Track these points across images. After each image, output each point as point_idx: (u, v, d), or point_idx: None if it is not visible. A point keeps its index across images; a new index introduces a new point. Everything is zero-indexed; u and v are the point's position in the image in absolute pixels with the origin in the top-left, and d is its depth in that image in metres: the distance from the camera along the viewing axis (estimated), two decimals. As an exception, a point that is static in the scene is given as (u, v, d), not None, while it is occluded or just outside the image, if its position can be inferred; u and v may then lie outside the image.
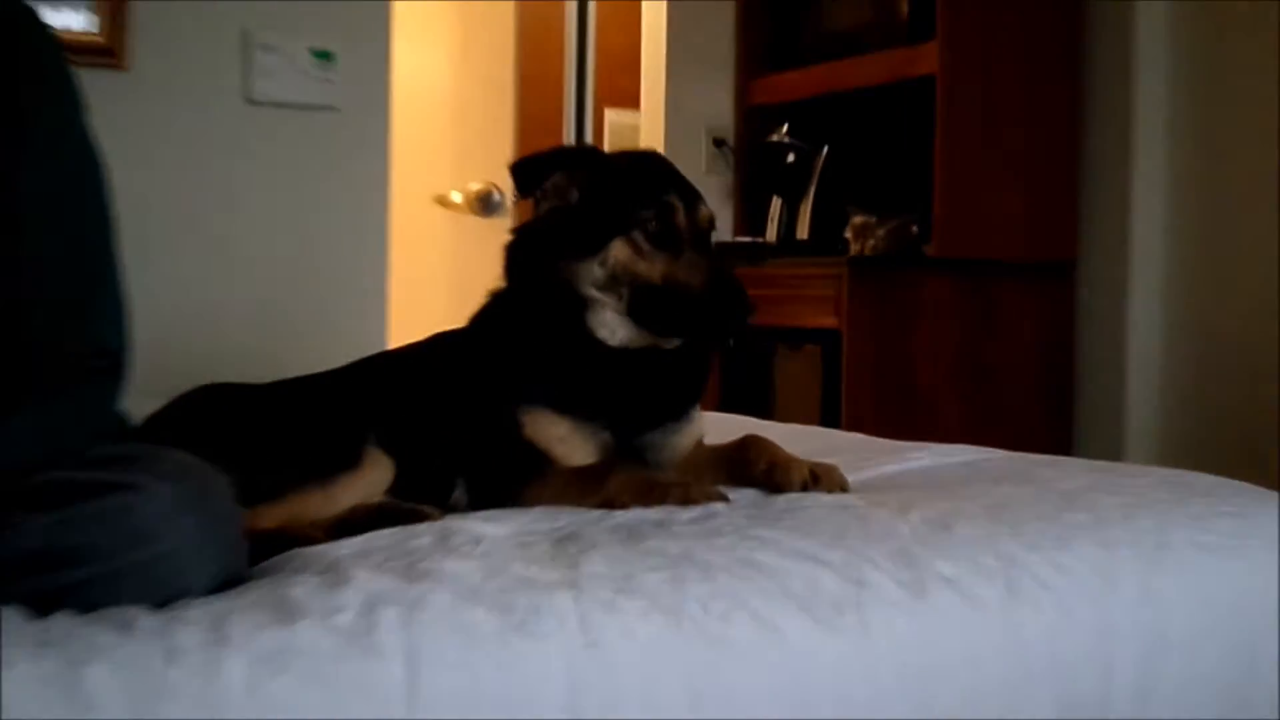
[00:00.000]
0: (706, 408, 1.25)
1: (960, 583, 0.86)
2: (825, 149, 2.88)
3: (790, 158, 2.90)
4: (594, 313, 1.09)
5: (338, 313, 2.21)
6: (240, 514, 0.84)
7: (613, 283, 1.08)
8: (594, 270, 1.08)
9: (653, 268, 1.07)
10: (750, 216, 3.08)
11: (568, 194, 1.11)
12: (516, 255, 1.15)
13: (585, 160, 1.13)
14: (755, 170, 3.01)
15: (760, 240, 2.92)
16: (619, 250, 1.08)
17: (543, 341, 1.10)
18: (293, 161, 2.18)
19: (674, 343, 1.10)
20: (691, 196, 1.12)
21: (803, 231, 2.89)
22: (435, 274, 3.13)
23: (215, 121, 2.09)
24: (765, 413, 2.52)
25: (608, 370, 1.09)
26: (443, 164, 3.13)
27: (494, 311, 1.16)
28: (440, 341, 1.20)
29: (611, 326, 1.09)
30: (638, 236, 1.08)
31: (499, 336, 1.13)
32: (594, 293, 1.09)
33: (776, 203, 2.97)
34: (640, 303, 1.08)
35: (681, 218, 1.09)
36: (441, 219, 3.13)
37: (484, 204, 3.02)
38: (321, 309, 2.20)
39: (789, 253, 2.81)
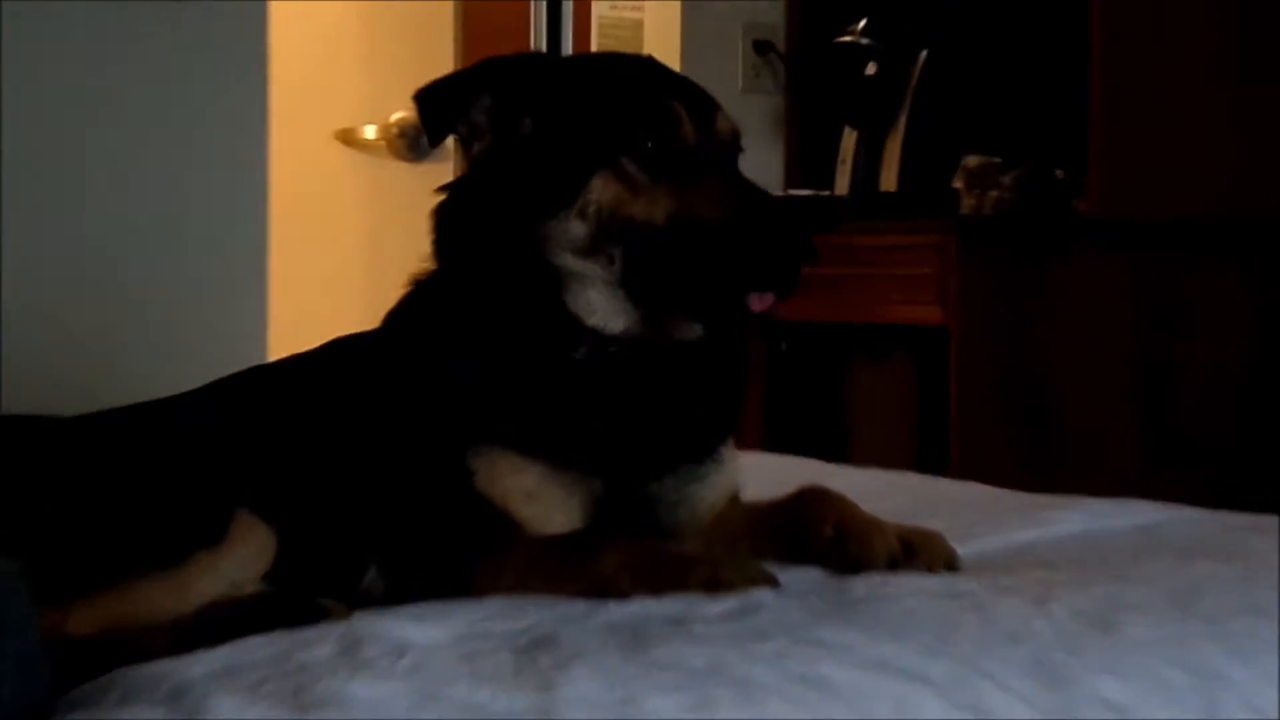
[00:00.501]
0: (746, 445, 1.28)
1: (1134, 711, 0.86)
2: (923, 55, 2.92)
3: (870, 69, 2.96)
4: (573, 291, 1.12)
5: (189, 301, 2.23)
6: (38, 616, 0.84)
7: (598, 240, 1.11)
8: (569, 226, 1.11)
9: (654, 205, 1.10)
10: (810, 158, 3.14)
11: (515, 124, 1.14)
12: (451, 222, 1.17)
13: (533, 72, 1.16)
14: (817, 88, 3.09)
15: (825, 194, 2.98)
16: (603, 188, 1.10)
17: (497, 345, 1.13)
18: (111, 67, 2.18)
19: (693, 327, 1.13)
20: (701, 101, 1.15)
21: (889, 180, 2.94)
22: (339, 247, 3.19)
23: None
24: (833, 451, 2.55)
25: (596, 385, 1.12)
26: (350, 85, 3.20)
27: (422, 305, 1.18)
28: (343, 351, 1.23)
29: (600, 307, 1.12)
30: (628, 165, 1.10)
31: (430, 341, 1.15)
32: (571, 261, 1.11)
33: (849, 137, 3.01)
34: (640, 263, 1.10)
35: (689, 129, 1.12)
36: (349, 164, 3.19)
37: (411, 143, 3.08)
38: (164, 296, 2.22)
39: (868, 212, 2.85)
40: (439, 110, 1.14)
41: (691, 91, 1.15)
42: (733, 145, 1.16)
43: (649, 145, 1.10)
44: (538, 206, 1.11)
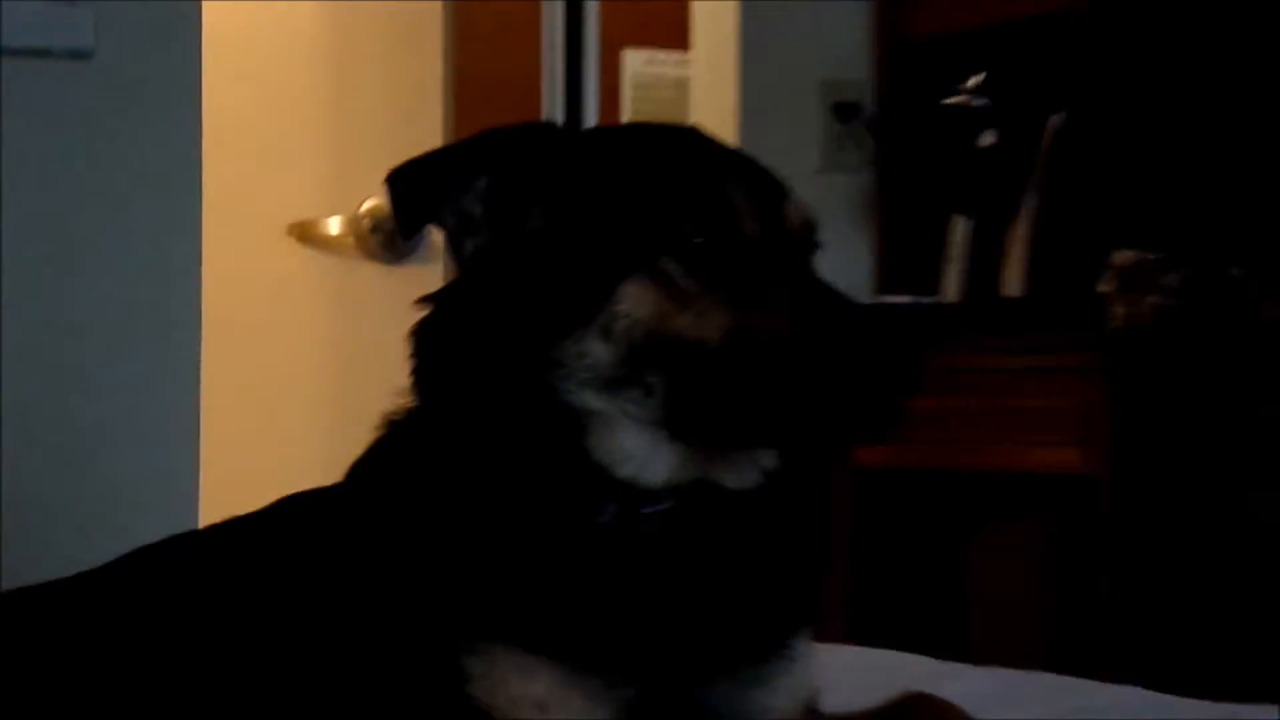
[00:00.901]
0: (827, 634, 1.31)
1: None
2: (1055, 121, 2.98)
3: (988, 138, 3.04)
4: (598, 435, 1.13)
5: (95, 446, 2.30)
6: None
7: (630, 366, 1.12)
8: (589, 349, 1.12)
9: (705, 320, 1.11)
10: (908, 255, 3.18)
11: (521, 216, 1.16)
12: (436, 345, 1.19)
13: (545, 147, 1.19)
14: (918, 164, 3.13)
15: (928, 300, 3.04)
16: (637, 298, 1.12)
17: (497, 508, 1.14)
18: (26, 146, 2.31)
19: (751, 472, 1.16)
20: (764, 183, 1.17)
21: (1012, 283, 3.01)
22: (291, 376, 3.24)
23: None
24: (945, 642, 2.56)
25: (627, 557, 1.13)
26: (308, 165, 3.27)
27: (397, 454, 1.20)
28: (294, 515, 1.25)
29: (635, 455, 1.14)
30: (670, 268, 1.12)
31: (409, 502, 1.17)
32: (591, 398, 1.13)
33: (960, 228, 3.10)
34: (689, 396, 1.11)
35: (749, 221, 1.14)
36: (305, 267, 3.24)
37: (388, 239, 3.17)
38: (61, 441, 2.29)
39: (986, 326, 2.91)
40: (418, 195, 1.16)
41: (751, 171, 1.18)
42: (806, 240, 1.18)
43: (697, 242, 1.12)
44: (549, 325, 1.13)
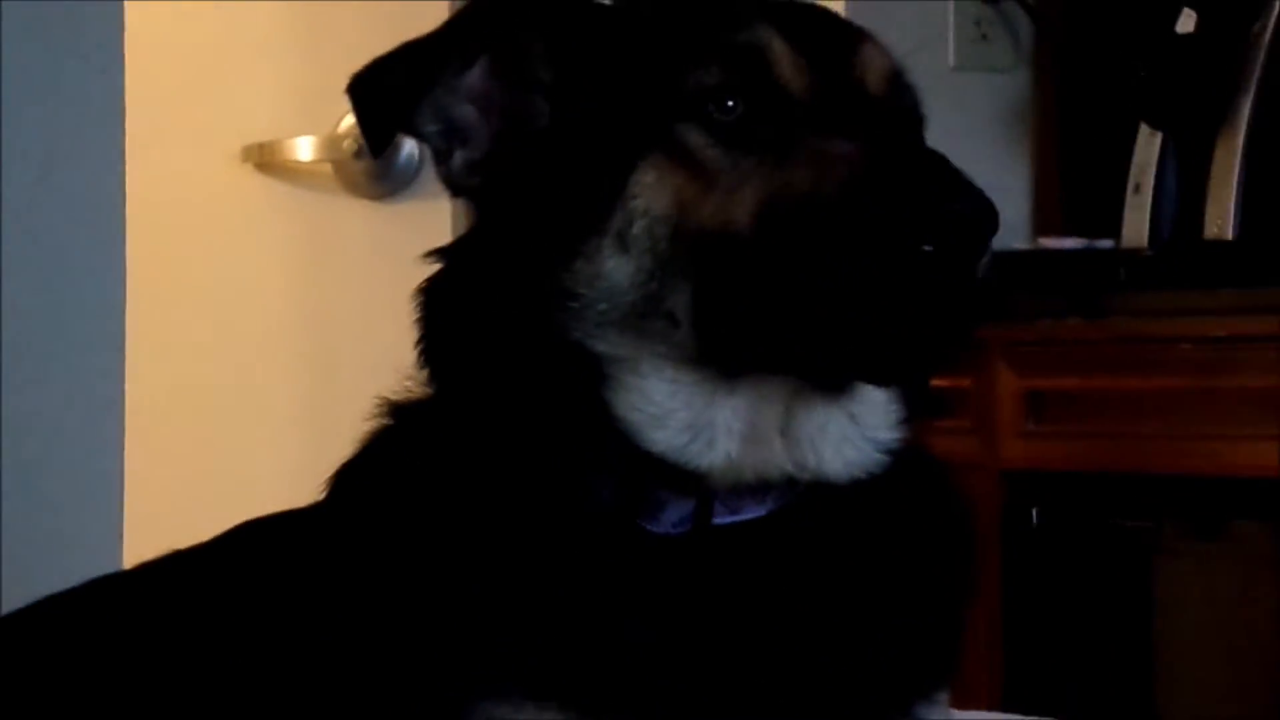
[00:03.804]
0: (971, 697, 1.32)
1: None
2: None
3: (1186, 23, 2.83)
4: (621, 392, 1.12)
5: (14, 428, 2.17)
6: None
7: (656, 284, 1.11)
8: (607, 266, 1.11)
9: (733, 199, 1.09)
10: (1077, 183, 3.11)
11: (525, 111, 1.16)
12: (451, 312, 1.18)
13: (557, 16, 1.17)
14: (1090, 60, 3.02)
15: (1104, 245, 2.94)
16: (652, 185, 1.11)
17: (534, 529, 1.12)
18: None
19: (855, 448, 1.14)
20: (823, 28, 1.16)
21: (1219, 222, 2.80)
22: (253, 340, 3.03)
23: None
24: (1132, 696, 2.60)
25: (680, 581, 1.11)
26: (269, 71, 3.03)
27: (401, 457, 1.20)
28: (258, 548, 1.26)
29: (671, 411, 1.12)
30: (691, 139, 1.10)
31: (419, 522, 1.15)
32: (616, 341, 1.12)
33: (1148, 144, 2.90)
34: (714, 301, 1.09)
35: (793, 72, 1.11)
36: (268, 201, 3.03)
37: (377, 165, 2.91)
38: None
39: (1185, 277, 2.77)
40: (388, 99, 1.15)
41: (802, 12, 1.16)
42: (892, 103, 1.13)
43: (728, 104, 1.10)
44: (561, 246, 1.12)
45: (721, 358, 1.09)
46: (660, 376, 1.11)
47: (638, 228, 1.09)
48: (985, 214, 1.03)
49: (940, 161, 1.05)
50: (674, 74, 1.11)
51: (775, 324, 1.07)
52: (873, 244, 1.02)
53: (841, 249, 1.03)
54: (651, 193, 1.09)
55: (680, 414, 1.11)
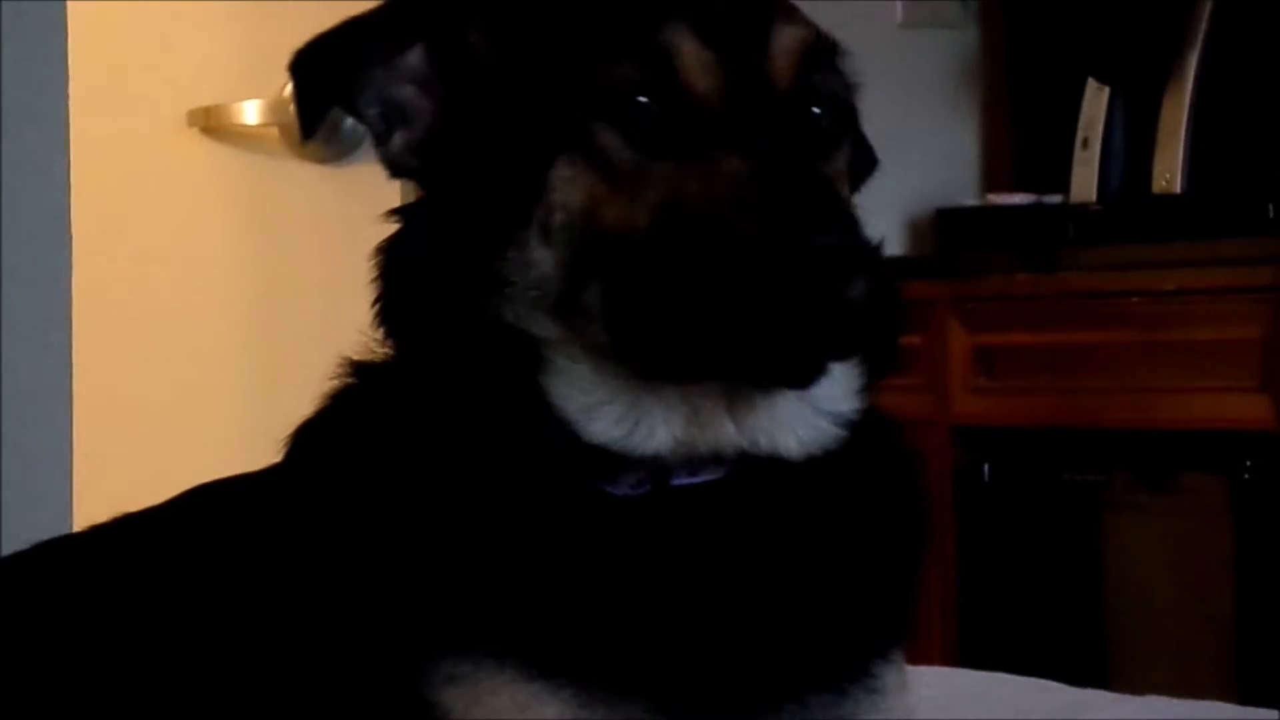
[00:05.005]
0: (925, 653, 1.36)
1: None
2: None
3: None
4: (556, 376, 1.15)
5: None
6: None
7: (573, 279, 1.13)
8: (535, 255, 1.13)
9: (636, 202, 1.11)
10: (1026, 139, 3.12)
11: (463, 91, 1.18)
12: (409, 273, 1.19)
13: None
14: (1038, 17, 3.04)
15: (1053, 200, 2.96)
16: (568, 181, 1.13)
17: (489, 483, 1.14)
18: None
19: (807, 428, 1.15)
20: (732, 11, 1.16)
21: (1167, 176, 2.85)
22: (198, 307, 3.07)
23: None
24: (1082, 657, 2.61)
25: (652, 543, 1.12)
26: (216, 32, 3.07)
27: (362, 418, 1.20)
28: (215, 511, 1.26)
29: (598, 401, 1.14)
30: (605, 139, 1.12)
31: (380, 484, 1.16)
32: (549, 326, 1.15)
33: (1096, 99, 2.94)
34: (618, 301, 1.11)
35: (699, 73, 1.12)
36: (214, 165, 3.06)
37: (324, 130, 3.01)
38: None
39: (1134, 232, 2.83)
40: (323, 80, 1.16)
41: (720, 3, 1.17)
42: (804, 96, 1.14)
43: (641, 103, 1.12)
44: (493, 231, 1.14)
45: (629, 356, 1.12)
46: (592, 367, 1.13)
47: (556, 221, 1.12)
48: (849, 249, 1.06)
49: (820, 190, 1.08)
50: (592, 68, 1.13)
51: (664, 325, 1.09)
52: (745, 264, 1.04)
53: (719, 265, 1.06)
54: (568, 188, 1.12)
55: (612, 406, 1.14)
